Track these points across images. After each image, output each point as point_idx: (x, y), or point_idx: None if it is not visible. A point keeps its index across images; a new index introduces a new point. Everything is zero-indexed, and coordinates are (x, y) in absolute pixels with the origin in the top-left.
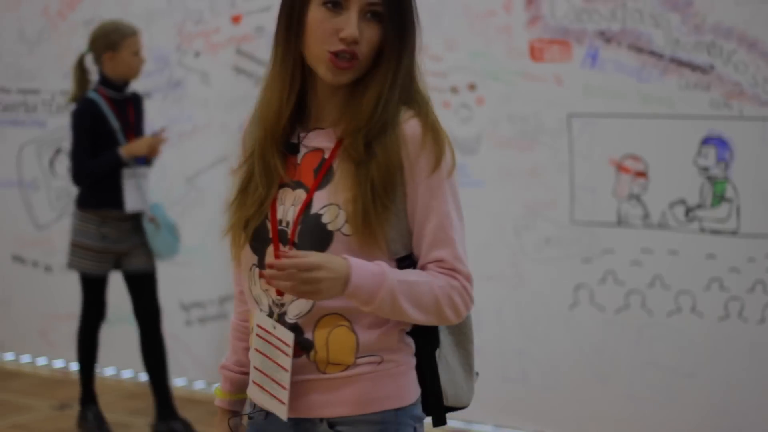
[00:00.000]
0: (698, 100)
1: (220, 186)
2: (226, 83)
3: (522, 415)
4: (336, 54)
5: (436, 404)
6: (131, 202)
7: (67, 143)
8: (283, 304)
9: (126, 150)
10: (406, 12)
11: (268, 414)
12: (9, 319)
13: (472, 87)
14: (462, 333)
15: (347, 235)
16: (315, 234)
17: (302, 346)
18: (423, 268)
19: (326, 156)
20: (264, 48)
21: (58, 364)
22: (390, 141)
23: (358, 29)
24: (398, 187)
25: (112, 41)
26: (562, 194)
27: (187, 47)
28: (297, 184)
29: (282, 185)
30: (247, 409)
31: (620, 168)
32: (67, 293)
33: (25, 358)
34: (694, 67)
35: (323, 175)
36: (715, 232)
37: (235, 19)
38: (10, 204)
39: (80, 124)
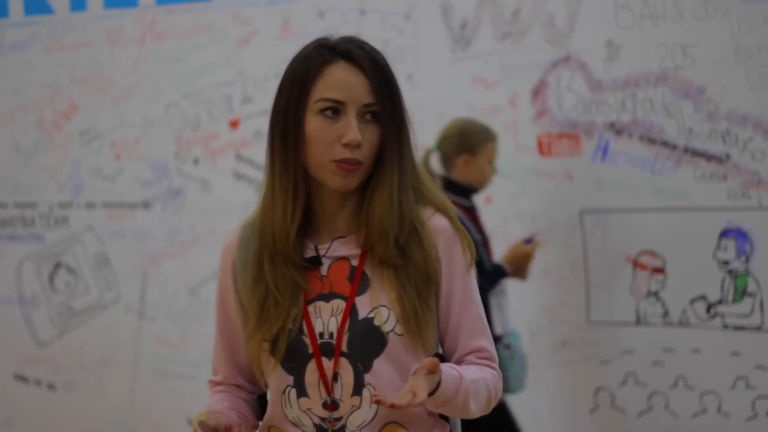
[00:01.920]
0: (715, 191)
1: None
2: (227, 190)
3: None
4: (340, 161)
5: None
6: (497, 325)
7: (66, 257)
8: (339, 418)
9: (509, 261)
10: (400, 109)
11: None
12: None
13: None
14: None
15: (399, 335)
16: (368, 338)
17: None
18: (461, 359)
19: (354, 263)
20: (264, 153)
21: None
22: (423, 241)
23: (359, 132)
24: (434, 282)
25: (471, 144)
26: (578, 294)
27: (186, 154)
28: (331, 296)
29: (311, 300)
30: None
31: (637, 264)
32: (70, 413)
33: None
34: (709, 156)
35: (359, 281)
36: (739, 328)
37: (234, 124)
38: (10, 321)
39: None
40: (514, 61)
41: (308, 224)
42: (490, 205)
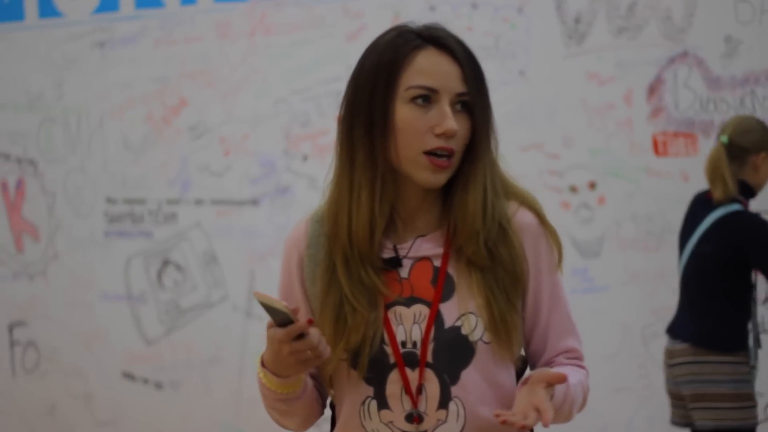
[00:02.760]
0: None
1: None
2: None
3: None
4: (432, 153)
5: None
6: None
7: (174, 254)
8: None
9: None
10: (489, 100)
11: None
12: None
13: (592, 185)
14: None
15: (487, 343)
16: (456, 348)
17: None
18: (549, 360)
19: (437, 264)
20: None
21: None
22: (511, 240)
23: None
24: (522, 283)
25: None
26: None
27: (294, 151)
28: (411, 300)
29: (389, 305)
30: None
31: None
32: (177, 412)
33: None
34: None
35: (443, 285)
36: None
37: None
38: (119, 318)
39: None
40: (630, 57)
41: (387, 224)
42: (602, 205)
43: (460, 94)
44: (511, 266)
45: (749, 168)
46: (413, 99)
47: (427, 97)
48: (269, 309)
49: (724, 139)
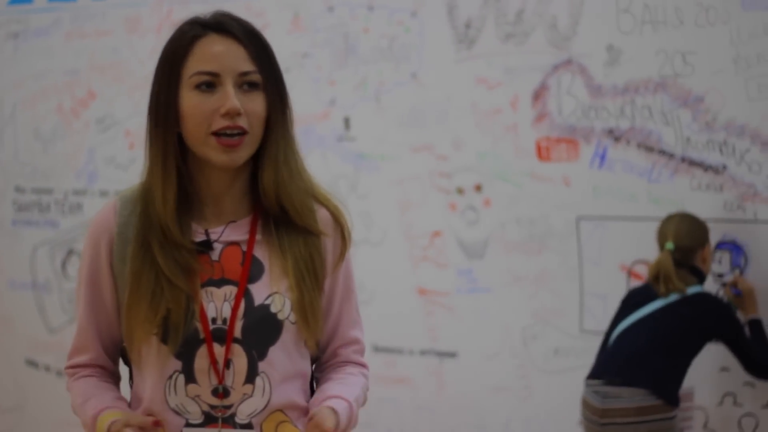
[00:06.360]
0: (711, 202)
1: None
2: None
3: None
4: (220, 133)
5: None
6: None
7: (79, 244)
8: (229, 406)
9: (755, 307)
10: (281, 79)
11: None
12: (23, 427)
13: (478, 188)
14: None
15: (293, 323)
16: (265, 325)
17: None
18: (336, 351)
19: (244, 248)
20: None
21: None
22: (314, 228)
23: (239, 102)
24: (322, 271)
25: (708, 233)
26: (572, 302)
27: None
28: (222, 281)
29: (202, 284)
30: None
31: (631, 274)
32: None
33: None
34: (706, 167)
35: (249, 266)
36: None
37: None
38: (24, 306)
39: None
40: (517, 63)
41: (193, 207)
42: (488, 208)
43: (243, 74)
44: (316, 252)
45: (698, 261)
46: (197, 86)
47: (210, 83)
48: None
49: (670, 246)
